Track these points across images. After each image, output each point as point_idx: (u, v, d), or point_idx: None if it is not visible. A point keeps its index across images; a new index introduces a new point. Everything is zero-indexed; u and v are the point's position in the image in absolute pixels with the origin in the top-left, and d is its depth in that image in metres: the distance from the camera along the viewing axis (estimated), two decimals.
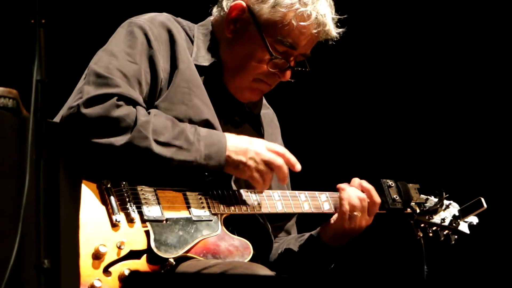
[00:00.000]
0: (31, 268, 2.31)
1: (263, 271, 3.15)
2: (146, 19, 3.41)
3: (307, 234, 3.61)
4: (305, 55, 3.51)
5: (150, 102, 3.33)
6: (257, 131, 3.62)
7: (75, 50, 4.74)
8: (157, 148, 3.18)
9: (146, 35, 3.35)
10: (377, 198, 3.54)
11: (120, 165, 3.18)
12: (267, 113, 3.74)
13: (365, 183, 3.57)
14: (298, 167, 3.38)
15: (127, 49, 3.31)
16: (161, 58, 3.36)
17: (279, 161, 3.33)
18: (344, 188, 3.53)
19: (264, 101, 3.74)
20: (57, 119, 3.25)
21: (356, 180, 3.58)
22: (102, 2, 4.94)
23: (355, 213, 3.47)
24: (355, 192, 3.51)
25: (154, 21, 3.41)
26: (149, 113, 3.24)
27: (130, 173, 3.20)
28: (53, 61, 2.48)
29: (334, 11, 3.50)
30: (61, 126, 2.99)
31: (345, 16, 3.53)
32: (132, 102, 3.22)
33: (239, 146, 3.31)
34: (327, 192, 3.54)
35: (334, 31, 3.49)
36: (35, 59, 2.40)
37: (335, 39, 3.51)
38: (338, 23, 3.51)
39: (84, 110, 3.14)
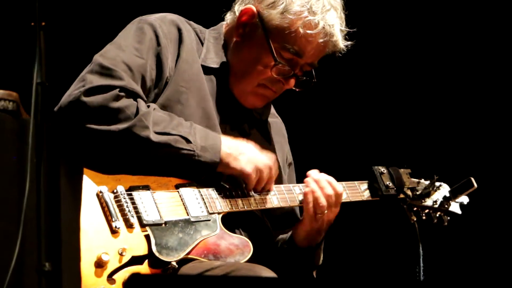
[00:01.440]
0: (32, 271, 2.31)
1: (266, 272, 3.14)
2: (157, 17, 3.42)
3: (281, 239, 3.57)
4: (312, 65, 3.51)
5: (154, 98, 3.34)
6: (266, 138, 3.62)
7: (75, 52, 4.74)
8: (155, 138, 3.18)
9: (155, 32, 3.36)
10: (340, 188, 3.46)
11: (119, 163, 3.18)
12: (275, 122, 3.74)
13: (325, 176, 3.48)
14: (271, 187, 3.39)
15: (135, 44, 3.32)
16: (169, 55, 3.37)
17: (268, 161, 3.35)
18: (309, 192, 3.43)
19: (273, 110, 3.75)
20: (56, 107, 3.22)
21: (314, 173, 3.49)
22: (103, 5, 4.94)
23: (320, 214, 3.43)
24: (320, 192, 3.43)
25: (164, 19, 3.43)
26: (148, 106, 3.25)
27: (128, 170, 3.20)
28: (53, 64, 2.47)
29: (345, 24, 3.49)
30: (62, 129, 2.99)
31: (355, 29, 3.51)
32: (134, 95, 3.22)
33: (232, 142, 3.32)
34: None
35: (341, 43, 3.47)
36: (35, 61, 2.40)
37: (343, 52, 3.50)
38: (347, 36, 3.50)
39: (85, 99, 3.14)
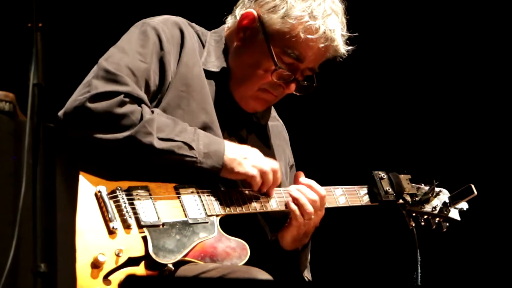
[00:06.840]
0: (27, 271, 2.31)
1: (262, 275, 3.14)
2: (160, 20, 3.42)
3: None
4: (313, 70, 3.50)
5: (157, 103, 3.34)
6: (264, 142, 3.61)
7: (72, 54, 4.74)
8: (159, 144, 3.18)
9: (159, 36, 3.36)
10: (323, 191, 3.45)
11: (118, 165, 3.18)
12: (276, 125, 3.73)
13: (305, 180, 3.47)
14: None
15: (139, 48, 3.32)
16: (172, 59, 3.37)
17: (273, 165, 3.35)
18: (294, 199, 3.43)
19: (274, 113, 3.74)
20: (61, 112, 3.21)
21: (298, 177, 3.50)
22: (99, 7, 4.94)
23: (308, 220, 3.42)
24: (305, 198, 3.42)
25: (167, 22, 3.42)
26: (152, 112, 3.25)
27: (127, 172, 3.20)
28: (50, 65, 2.47)
29: (346, 29, 3.47)
30: (58, 130, 2.99)
31: (356, 34, 3.49)
32: (138, 101, 3.23)
33: (236, 148, 3.33)
34: None
35: (342, 48, 3.46)
36: (32, 62, 2.40)
37: (344, 57, 3.48)
38: (348, 41, 3.48)
39: (90, 105, 3.15)
